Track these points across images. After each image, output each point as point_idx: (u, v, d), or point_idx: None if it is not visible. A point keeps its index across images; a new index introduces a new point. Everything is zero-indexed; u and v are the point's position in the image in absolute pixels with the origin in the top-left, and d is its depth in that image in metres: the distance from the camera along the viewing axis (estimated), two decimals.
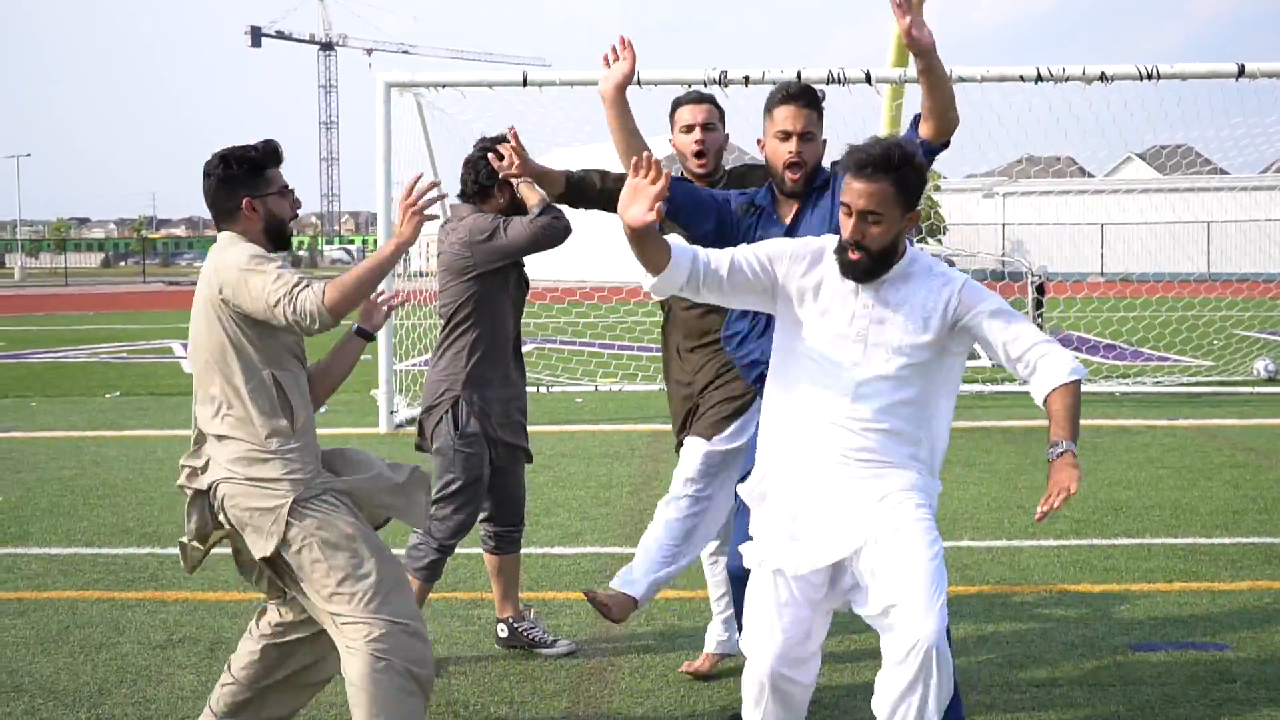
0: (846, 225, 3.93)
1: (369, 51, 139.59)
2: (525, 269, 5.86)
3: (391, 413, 12.98)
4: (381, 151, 12.91)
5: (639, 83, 12.48)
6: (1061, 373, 3.91)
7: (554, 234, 5.60)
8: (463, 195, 5.82)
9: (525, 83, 12.90)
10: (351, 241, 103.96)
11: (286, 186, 4.48)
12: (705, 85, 12.20)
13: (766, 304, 4.12)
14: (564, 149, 17.71)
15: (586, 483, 9.83)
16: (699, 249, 4.02)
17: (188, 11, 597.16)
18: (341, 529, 4.30)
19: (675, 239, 4.02)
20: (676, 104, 5.53)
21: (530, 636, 5.87)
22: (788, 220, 4.76)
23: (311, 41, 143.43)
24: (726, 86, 12.26)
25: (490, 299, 5.68)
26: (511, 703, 5.27)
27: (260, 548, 4.30)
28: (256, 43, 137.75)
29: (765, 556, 4.08)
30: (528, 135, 13.51)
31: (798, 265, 4.05)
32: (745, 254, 4.04)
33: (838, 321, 4.02)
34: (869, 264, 3.95)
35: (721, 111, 5.55)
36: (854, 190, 3.90)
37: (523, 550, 6.05)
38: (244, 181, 4.39)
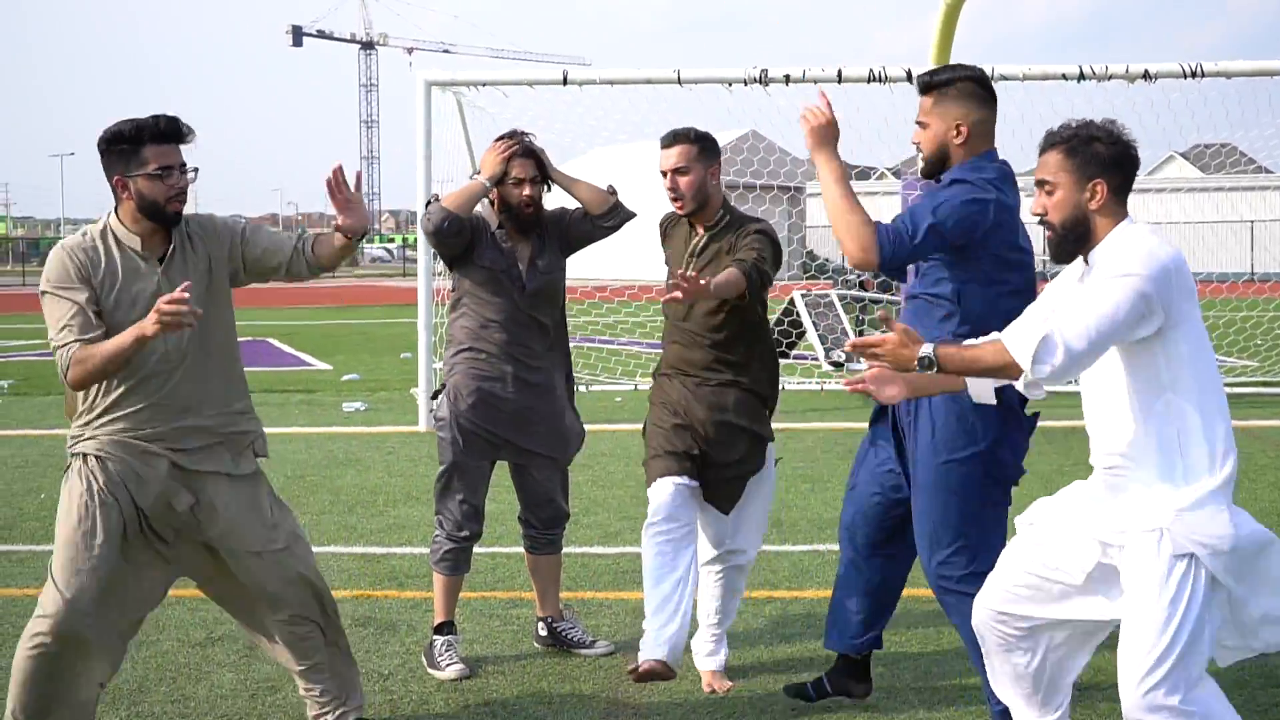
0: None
1: (410, 51, 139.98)
2: (519, 268, 5.65)
3: (431, 410, 12.98)
4: (422, 150, 12.95)
5: (680, 81, 12.50)
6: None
7: (425, 224, 5.58)
8: None
9: (565, 81, 12.92)
10: (391, 240, 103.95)
11: (170, 166, 4.37)
12: (746, 84, 12.21)
13: None
14: (605, 148, 17.72)
15: (626, 482, 9.81)
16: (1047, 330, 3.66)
17: (229, 10, 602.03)
18: (77, 503, 4.40)
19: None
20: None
21: (569, 636, 5.86)
22: None
23: (352, 41, 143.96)
24: (768, 85, 12.23)
25: (470, 293, 5.71)
26: (550, 703, 5.26)
27: None
28: (298, 42, 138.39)
29: (1028, 517, 4.18)
30: (569, 134, 13.62)
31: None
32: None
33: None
34: (1056, 238, 3.90)
35: (703, 147, 5.30)
36: (1037, 167, 3.94)
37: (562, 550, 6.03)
38: (118, 159, 4.37)
